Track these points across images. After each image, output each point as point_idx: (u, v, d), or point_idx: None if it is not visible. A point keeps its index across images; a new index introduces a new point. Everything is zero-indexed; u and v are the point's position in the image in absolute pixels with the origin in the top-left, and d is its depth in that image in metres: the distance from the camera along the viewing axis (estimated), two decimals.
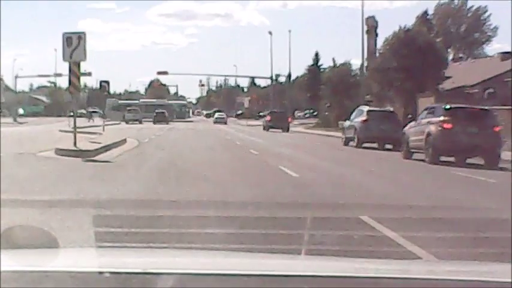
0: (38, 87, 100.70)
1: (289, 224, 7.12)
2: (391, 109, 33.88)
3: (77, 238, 5.87)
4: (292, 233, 6.12)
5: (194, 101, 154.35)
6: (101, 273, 1.83)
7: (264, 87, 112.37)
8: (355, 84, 51.92)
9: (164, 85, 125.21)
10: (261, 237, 6.68)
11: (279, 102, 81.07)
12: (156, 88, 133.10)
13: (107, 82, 39.17)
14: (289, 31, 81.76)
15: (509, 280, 1.83)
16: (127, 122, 67.74)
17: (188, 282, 1.83)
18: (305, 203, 9.29)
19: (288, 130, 49.35)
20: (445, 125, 18.88)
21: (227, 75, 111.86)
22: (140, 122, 69.54)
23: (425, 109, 21.65)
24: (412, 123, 21.74)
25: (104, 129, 36.55)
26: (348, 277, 1.91)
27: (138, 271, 1.87)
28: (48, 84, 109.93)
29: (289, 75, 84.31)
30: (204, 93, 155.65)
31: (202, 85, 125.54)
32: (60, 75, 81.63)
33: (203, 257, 2.62)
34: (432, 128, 19.14)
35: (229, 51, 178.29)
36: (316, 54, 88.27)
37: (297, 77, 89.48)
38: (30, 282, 1.80)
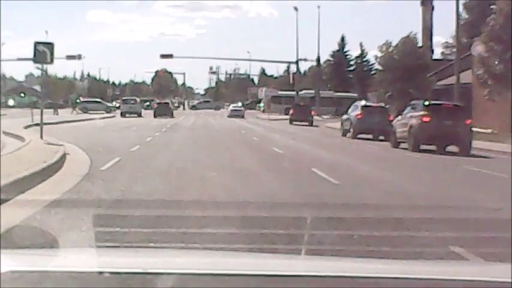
0: (37, 77, 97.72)
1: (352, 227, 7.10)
2: (383, 105, 36.45)
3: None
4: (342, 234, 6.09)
5: (202, 92, 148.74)
6: (101, 273, 1.83)
7: (276, 77, 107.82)
8: (422, 67, 41.40)
9: (170, 73, 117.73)
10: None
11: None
12: (162, 78, 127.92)
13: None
14: (318, 7, 77.27)
15: (509, 280, 1.83)
16: (123, 115, 57.86)
17: (188, 282, 1.83)
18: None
19: (311, 124, 46.07)
20: (424, 119, 21.91)
21: (246, 60, 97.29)
22: (139, 115, 59.22)
23: (409, 105, 24.49)
24: (399, 117, 24.78)
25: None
26: (348, 277, 1.91)
27: (138, 271, 1.88)
28: (39, 73, 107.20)
29: (318, 59, 73.40)
30: (213, 84, 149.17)
31: (213, 72, 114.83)
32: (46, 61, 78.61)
33: (203, 257, 2.62)
34: (414, 121, 22.15)
35: (238, 42, 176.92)
36: (342, 39, 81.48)
37: (319, 64, 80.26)
38: (30, 282, 1.80)
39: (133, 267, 1.94)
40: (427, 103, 23.05)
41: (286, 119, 51.40)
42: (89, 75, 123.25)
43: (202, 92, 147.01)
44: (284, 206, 9.00)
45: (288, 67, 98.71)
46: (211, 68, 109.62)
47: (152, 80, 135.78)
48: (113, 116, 57.31)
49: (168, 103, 64.79)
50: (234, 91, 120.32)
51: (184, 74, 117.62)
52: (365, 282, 1.88)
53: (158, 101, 70.16)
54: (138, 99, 66.26)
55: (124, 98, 69.54)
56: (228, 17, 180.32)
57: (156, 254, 3.12)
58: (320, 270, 1.99)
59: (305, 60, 72.07)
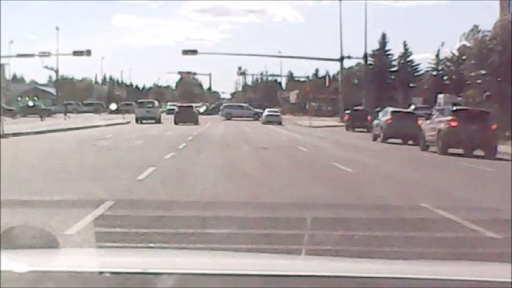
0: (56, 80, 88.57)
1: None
2: (411, 110, 37.52)
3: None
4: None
5: (228, 96, 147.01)
6: (101, 273, 1.84)
7: (303, 81, 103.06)
8: None
9: (194, 74, 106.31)
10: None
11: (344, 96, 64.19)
12: (187, 82, 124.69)
13: None
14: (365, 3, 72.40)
15: (509, 280, 1.83)
16: (138, 121, 49.52)
17: (188, 282, 1.83)
18: None
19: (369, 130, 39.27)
20: (452, 123, 22.96)
21: (284, 57, 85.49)
22: (158, 121, 50.56)
23: (437, 110, 26.74)
24: (428, 121, 26.29)
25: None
26: (348, 277, 1.91)
27: (138, 271, 1.88)
28: (52, 74, 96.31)
29: (366, 56, 66.35)
30: (240, 88, 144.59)
31: (242, 73, 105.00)
32: (47, 54, 69.63)
33: (203, 257, 2.62)
34: (442, 126, 23.28)
35: (263, 46, 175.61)
36: (384, 37, 75.97)
37: (351, 67, 75.24)
38: (30, 282, 1.80)
39: (134, 267, 1.94)
40: (454, 108, 24.56)
41: (333, 126, 47.96)
42: (111, 78, 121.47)
43: (228, 97, 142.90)
44: (284, 206, 9.01)
45: (317, 71, 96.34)
46: (240, 68, 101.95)
47: (176, 84, 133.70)
48: (127, 123, 48.67)
49: (191, 107, 53.78)
50: (261, 95, 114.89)
51: (210, 74, 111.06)
52: (365, 282, 1.88)
53: (179, 104, 59.99)
54: (156, 102, 57.18)
55: (139, 100, 58.42)
56: (253, 21, 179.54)
57: (156, 254, 3.12)
58: (320, 270, 1.99)
59: (349, 57, 65.25)
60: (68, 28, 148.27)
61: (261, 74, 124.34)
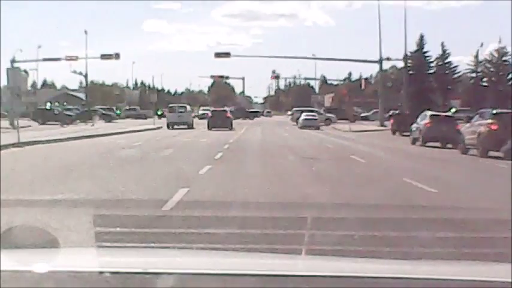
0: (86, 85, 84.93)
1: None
2: (451, 114, 37.37)
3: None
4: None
5: (261, 101, 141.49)
6: (101, 273, 1.84)
7: (336, 84, 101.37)
8: None
9: (227, 78, 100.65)
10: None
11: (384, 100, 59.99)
12: (219, 87, 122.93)
13: None
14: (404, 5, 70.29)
15: (509, 280, 1.83)
16: (170, 126, 47.35)
17: (188, 282, 1.83)
18: None
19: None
20: (492, 126, 23.04)
21: (320, 59, 77.98)
22: (190, 126, 47.84)
23: (477, 113, 26.43)
24: (467, 125, 26.30)
25: None
26: (348, 277, 1.91)
27: (138, 271, 1.88)
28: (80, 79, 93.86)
29: (406, 57, 63.73)
30: (272, 92, 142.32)
31: (276, 77, 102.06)
32: (75, 58, 65.56)
33: (203, 257, 2.62)
34: (482, 129, 23.34)
35: (295, 51, 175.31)
36: (421, 38, 72.14)
37: (385, 70, 71.38)
38: (30, 282, 1.80)
39: (134, 267, 1.94)
40: (495, 112, 24.65)
41: (374, 130, 45.20)
42: (142, 83, 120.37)
43: (260, 101, 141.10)
44: (284, 206, 9.01)
45: (350, 74, 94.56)
46: (274, 72, 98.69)
47: (209, 89, 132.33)
48: (157, 128, 46.39)
49: (225, 111, 50.41)
50: (294, 100, 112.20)
51: (243, 78, 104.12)
52: (365, 282, 1.88)
53: (213, 108, 55.47)
54: (188, 107, 53.45)
55: (171, 105, 55.15)
56: (285, 26, 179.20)
57: (156, 254, 3.12)
58: (320, 270, 1.99)
59: (388, 59, 62.37)
60: (98, 35, 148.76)
61: (294, 77, 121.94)
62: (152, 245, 5.99)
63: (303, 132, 43.37)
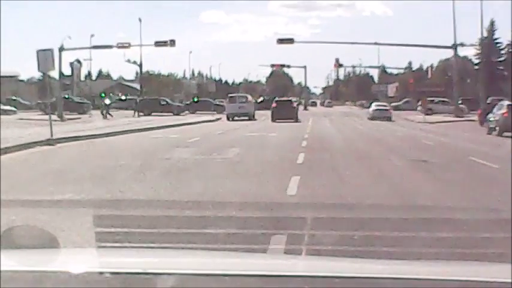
0: (140, 74, 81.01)
1: None
2: None
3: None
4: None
5: (319, 91, 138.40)
6: (101, 273, 1.84)
7: (396, 74, 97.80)
8: None
9: (288, 66, 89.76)
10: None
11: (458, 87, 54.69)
12: (278, 77, 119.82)
13: None
14: None
15: (509, 280, 1.83)
16: (230, 118, 43.53)
17: (188, 282, 1.83)
18: None
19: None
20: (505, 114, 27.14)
21: (384, 44, 68.12)
22: (251, 118, 44.13)
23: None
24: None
25: None
26: (348, 277, 1.91)
27: (138, 271, 1.88)
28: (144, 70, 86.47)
29: (482, 41, 58.65)
30: (331, 82, 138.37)
31: (340, 65, 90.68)
32: (127, 45, 60.16)
33: (203, 257, 2.62)
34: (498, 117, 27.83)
35: (353, 40, 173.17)
36: (492, 24, 69.33)
37: (447, 59, 67.96)
38: (30, 282, 1.81)
39: (134, 267, 1.94)
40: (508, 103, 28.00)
41: (451, 121, 40.91)
42: (199, 73, 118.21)
43: (319, 92, 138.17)
44: (284, 206, 9.00)
45: (410, 63, 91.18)
46: (337, 60, 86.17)
47: (267, 79, 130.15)
48: (216, 120, 43.24)
49: (291, 101, 46.43)
50: (354, 90, 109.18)
51: (305, 67, 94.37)
52: (365, 282, 1.89)
53: (278, 98, 49.56)
54: (249, 97, 49.82)
55: (230, 95, 50.29)
56: (342, 16, 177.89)
57: (156, 254, 3.12)
58: (320, 270, 1.99)
59: (462, 45, 55.90)
60: (154, 27, 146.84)
61: (353, 66, 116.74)
62: (152, 245, 5.99)
63: (377, 124, 38.86)
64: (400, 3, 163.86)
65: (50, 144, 19.51)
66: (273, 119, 41.13)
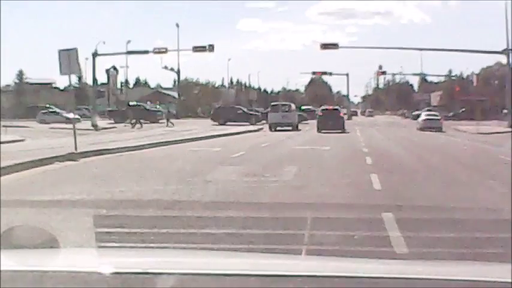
0: (178, 81, 79.14)
1: None
2: None
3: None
4: None
5: (358, 100, 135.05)
6: (101, 273, 1.84)
7: (436, 83, 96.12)
8: None
9: (330, 74, 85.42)
10: None
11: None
12: (317, 86, 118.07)
13: None
14: None
15: (509, 280, 1.83)
16: (272, 128, 41.06)
17: (188, 282, 1.83)
18: None
19: None
20: None
21: (428, 49, 63.66)
22: (295, 128, 41.39)
23: None
24: None
25: None
26: (348, 277, 1.91)
27: (138, 271, 1.88)
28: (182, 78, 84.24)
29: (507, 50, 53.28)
30: (370, 91, 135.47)
31: (383, 72, 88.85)
32: (164, 50, 57.83)
33: (203, 257, 2.62)
34: None
35: (391, 49, 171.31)
36: None
37: (489, 66, 66.57)
38: (30, 282, 1.81)
39: (134, 267, 1.94)
40: None
41: (506, 131, 36.69)
42: (237, 81, 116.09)
43: (357, 100, 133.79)
44: (284, 206, 9.01)
45: (450, 72, 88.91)
46: (380, 67, 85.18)
47: (306, 87, 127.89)
48: (258, 130, 40.43)
49: (338, 110, 42.77)
50: (394, 99, 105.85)
51: (347, 75, 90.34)
52: (365, 282, 1.89)
53: (324, 107, 45.67)
54: (292, 105, 46.11)
55: (273, 103, 47.82)
56: (380, 23, 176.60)
57: (156, 254, 3.12)
58: (320, 270, 1.99)
59: None
60: (191, 35, 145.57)
61: (393, 74, 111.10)
62: (152, 245, 5.99)
63: (431, 136, 35.33)
64: (439, 10, 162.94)
65: (71, 160, 16.68)
66: (319, 130, 38.18)
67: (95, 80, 55.22)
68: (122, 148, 21.07)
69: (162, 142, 25.38)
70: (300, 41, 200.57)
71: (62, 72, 19.07)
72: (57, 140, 24.76)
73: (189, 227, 7.10)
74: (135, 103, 54.74)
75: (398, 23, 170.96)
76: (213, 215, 8.01)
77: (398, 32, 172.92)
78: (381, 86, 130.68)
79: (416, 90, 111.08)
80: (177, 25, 73.65)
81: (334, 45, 55.42)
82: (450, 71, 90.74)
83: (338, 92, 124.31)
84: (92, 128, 40.45)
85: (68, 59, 18.77)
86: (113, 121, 52.59)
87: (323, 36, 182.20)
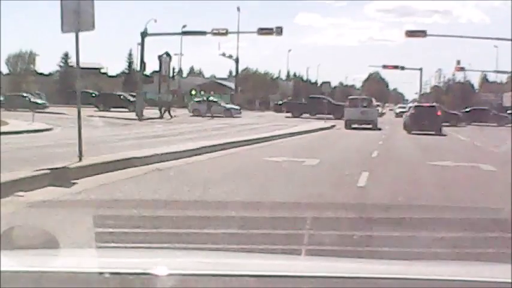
0: (236, 71, 73.02)
1: None
2: None
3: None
4: None
5: (413, 98, 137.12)
6: (101, 273, 1.84)
7: (499, 83, 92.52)
8: None
9: (402, 68, 75.26)
10: None
11: None
12: (375, 82, 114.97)
13: None
14: None
15: (509, 280, 1.83)
16: (348, 125, 36.35)
17: (188, 282, 1.83)
18: None
19: None
20: None
21: None
22: (375, 126, 36.81)
23: None
24: None
25: None
26: (348, 277, 1.91)
27: (138, 271, 1.88)
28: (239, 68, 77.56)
29: None
30: (428, 90, 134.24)
31: (461, 68, 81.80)
32: (224, 32, 52.84)
33: (203, 257, 2.62)
34: None
35: (448, 48, 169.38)
36: None
37: None
38: (30, 282, 1.80)
39: (134, 267, 1.94)
40: None
41: None
42: (295, 75, 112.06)
43: (412, 98, 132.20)
44: (284, 206, 9.01)
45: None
46: (458, 62, 78.22)
47: (363, 83, 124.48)
48: (331, 127, 36.01)
49: (434, 107, 36.10)
50: (455, 98, 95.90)
51: (421, 69, 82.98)
52: (365, 282, 1.89)
53: (416, 103, 42.39)
54: (373, 100, 41.11)
55: (351, 97, 43.56)
56: (439, 22, 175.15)
57: (156, 254, 3.12)
58: (320, 270, 1.99)
59: None
60: (249, 27, 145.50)
61: (453, 75, 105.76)
62: (152, 245, 5.99)
63: None
64: (499, 11, 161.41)
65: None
66: (409, 130, 33.13)
67: (142, 63, 48.96)
68: (149, 156, 13.99)
69: (222, 144, 19.03)
70: (356, 37, 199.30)
71: (64, 30, 12.81)
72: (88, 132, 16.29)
73: (189, 227, 7.10)
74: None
75: (457, 21, 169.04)
76: (213, 215, 8.01)
77: (456, 31, 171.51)
78: (440, 84, 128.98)
79: (476, 89, 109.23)
80: (238, 9, 69.98)
81: (422, 32, 49.33)
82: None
83: (395, 89, 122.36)
84: (135, 117, 37.04)
85: (74, 11, 12.56)
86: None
87: (380, 34, 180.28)
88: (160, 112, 43.25)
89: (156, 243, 6.14)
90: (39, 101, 50.05)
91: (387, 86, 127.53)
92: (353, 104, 38.87)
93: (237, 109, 53.30)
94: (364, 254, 5.69)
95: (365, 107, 38.26)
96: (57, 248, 2.65)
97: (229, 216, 8.00)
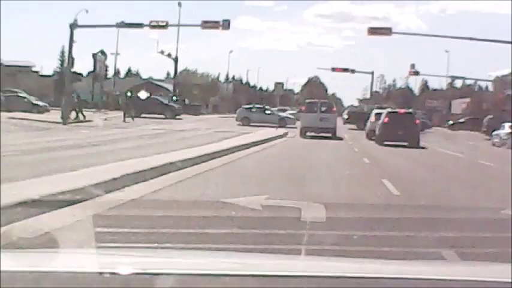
0: (175, 72, 70.93)
1: None
2: None
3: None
4: None
5: (355, 104, 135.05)
6: (101, 273, 1.84)
7: (439, 90, 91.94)
8: None
9: (353, 71, 72.28)
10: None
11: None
12: (314, 86, 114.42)
13: None
14: None
15: (509, 280, 1.83)
16: (303, 132, 32.00)
17: (188, 282, 1.83)
18: None
19: None
20: None
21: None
22: (333, 135, 31.87)
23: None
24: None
25: None
26: (348, 277, 1.91)
27: (138, 271, 1.88)
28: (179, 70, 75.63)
29: None
30: (368, 95, 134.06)
31: (415, 73, 73.15)
32: (163, 24, 45.81)
33: (203, 257, 2.62)
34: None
35: (390, 55, 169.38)
36: None
37: (504, 75, 62.23)
38: (30, 282, 1.80)
39: (134, 268, 1.94)
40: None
41: None
42: (233, 77, 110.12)
43: (353, 104, 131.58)
44: (284, 206, 9.00)
45: (452, 79, 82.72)
46: (413, 66, 70.11)
47: (302, 88, 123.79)
48: (281, 136, 29.71)
49: (412, 114, 30.85)
50: (396, 104, 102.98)
51: (372, 73, 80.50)
52: (365, 282, 1.88)
53: (391, 109, 34.61)
54: (333, 105, 35.07)
55: (308, 100, 36.84)
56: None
57: (156, 254, 3.12)
58: (320, 270, 1.99)
59: None
60: (190, 31, 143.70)
61: (393, 81, 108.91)
62: (152, 245, 5.98)
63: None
64: (435, 19, 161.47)
65: None
66: (380, 140, 28.10)
67: (70, 58, 40.92)
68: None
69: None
70: (294, 41, 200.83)
71: None
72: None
73: (189, 227, 7.09)
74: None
75: (396, 29, 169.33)
76: (213, 215, 8.01)
77: (395, 39, 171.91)
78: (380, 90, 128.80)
79: (417, 95, 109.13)
80: (180, 4, 64.55)
81: (386, 30, 44.43)
82: (453, 79, 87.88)
83: (333, 94, 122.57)
84: (60, 120, 32.60)
85: None
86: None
87: (319, 39, 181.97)
88: (77, 114, 37.16)
89: (156, 243, 6.14)
90: None
91: (326, 90, 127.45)
92: (310, 109, 32.71)
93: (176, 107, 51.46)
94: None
95: (324, 112, 32.49)
96: (57, 247, 2.65)
97: (230, 216, 7.99)
